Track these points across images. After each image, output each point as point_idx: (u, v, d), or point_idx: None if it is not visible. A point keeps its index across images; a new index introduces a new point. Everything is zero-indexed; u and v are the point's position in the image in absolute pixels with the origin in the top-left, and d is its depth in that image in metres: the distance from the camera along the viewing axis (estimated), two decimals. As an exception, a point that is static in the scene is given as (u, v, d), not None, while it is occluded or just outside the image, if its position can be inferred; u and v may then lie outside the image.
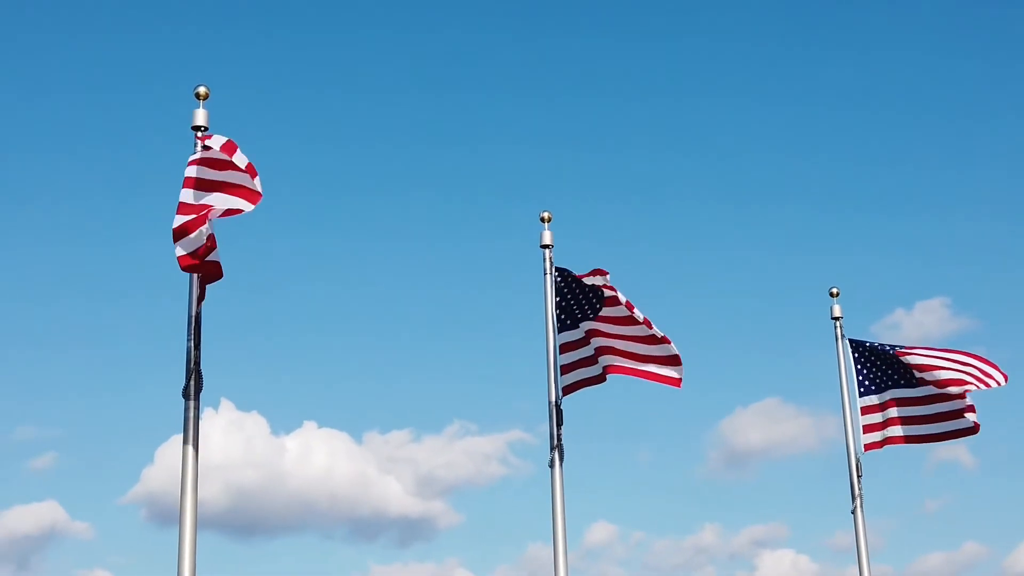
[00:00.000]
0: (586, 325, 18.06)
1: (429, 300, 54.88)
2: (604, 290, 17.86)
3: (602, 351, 18.00)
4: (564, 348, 18.07)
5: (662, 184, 56.39)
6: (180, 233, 12.80)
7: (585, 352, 18.05)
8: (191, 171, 13.44)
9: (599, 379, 18.04)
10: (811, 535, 51.47)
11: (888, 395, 21.13)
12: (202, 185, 13.33)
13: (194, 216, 12.90)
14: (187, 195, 13.21)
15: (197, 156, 13.70)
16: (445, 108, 57.47)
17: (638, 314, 17.62)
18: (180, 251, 12.88)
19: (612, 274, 17.85)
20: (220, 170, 13.33)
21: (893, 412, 21.09)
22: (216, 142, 13.61)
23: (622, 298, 17.71)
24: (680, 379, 17.69)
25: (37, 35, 54.64)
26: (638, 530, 48.70)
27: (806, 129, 57.28)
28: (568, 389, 17.87)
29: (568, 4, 58.79)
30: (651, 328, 17.62)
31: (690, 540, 48.62)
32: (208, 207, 13.00)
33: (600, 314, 17.95)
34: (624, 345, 17.90)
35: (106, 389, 49.67)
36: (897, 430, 21.06)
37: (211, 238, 13.06)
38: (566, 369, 17.96)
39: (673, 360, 17.66)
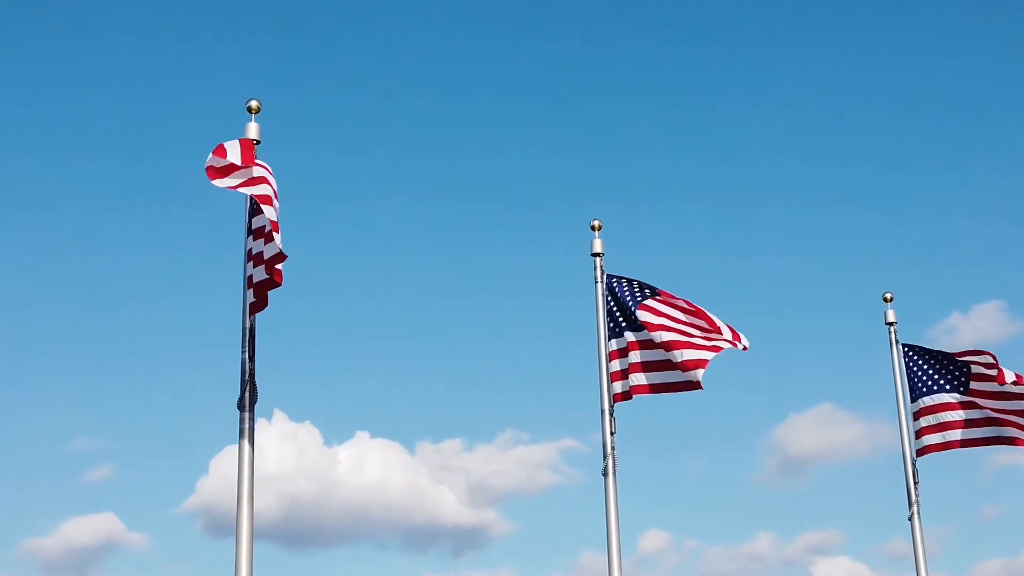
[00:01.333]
0: (629, 336, 17.97)
1: (480, 308, 54.93)
2: (644, 294, 17.83)
3: (633, 368, 17.87)
4: (613, 356, 18.02)
5: (712, 190, 56.19)
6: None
7: (624, 363, 17.96)
8: (265, 188, 13.52)
9: (628, 395, 17.90)
10: (867, 542, 50.98)
11: (943, 399, 20.88)
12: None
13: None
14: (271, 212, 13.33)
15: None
16: (495, 116, 57.58)
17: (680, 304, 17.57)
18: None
19: (662, 281, 17.86)
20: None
21: (948, 417, 20.83)
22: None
23: (658, 305, 17.62)
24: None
25: (95, 46, 55.27)
26: (691, 538, 48.47)
27: (860, 134, 56.86)
28: (618, 397, 17.81)
29: (615, 10, 58.74)
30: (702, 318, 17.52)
31: (744, 548, 48.30)
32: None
33: (641, 319, 17.83)
34: (653, 355, 17.77)
35: (161, 400, 50.08)
36: (954, 434, 20.80)
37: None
38: (615, 377, 17.92)
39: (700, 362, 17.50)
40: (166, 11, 56.39)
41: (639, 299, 17.95)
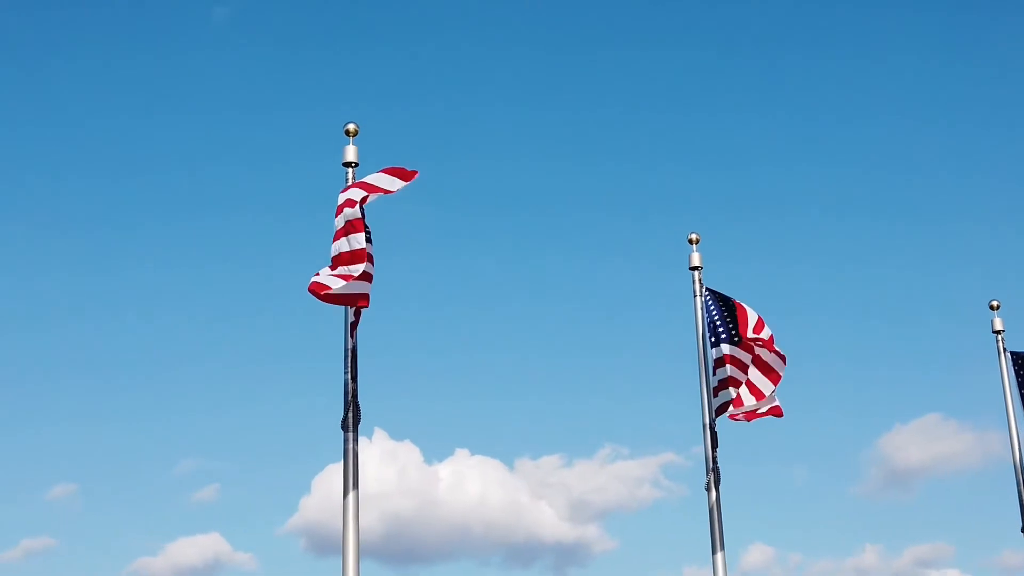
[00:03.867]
0: (725, 348, 17.81)
1: (578, 323, 54.85)
2: (737, 313, 17.71)
3: (728, 383, 17.68)
4: (713, 367, 17.88)
5: (811, 201, 55.53)
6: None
7: (721, 375, 17.79)
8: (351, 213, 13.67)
9: (723, 409, 17.71)
10: (978, 554, 49.87)
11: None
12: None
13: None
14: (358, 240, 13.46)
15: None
16: (593, 128, 57.54)
17: (764, 333, 17.41)
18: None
19: (761, 294, 17.70)
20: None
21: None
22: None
23: (751, 319, 17.44)
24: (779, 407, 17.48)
25: (198, 68, 56.30)
26: (796, 552, 47.83)
27: (963, 142, 55.90)
28: (719, 411, 17.67)
29: (716, 21, 58.43)
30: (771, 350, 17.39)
31: (850, 561, 47.53)
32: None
33: (734, 338, 17.71)
34: (746, 375, 17.63)
35: (264, 420, 50.73)
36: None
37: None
38: (715, 391, 17.77)
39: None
40: (265, 34, 57.26)
41: (722, 335, 17.78)
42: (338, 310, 13.92)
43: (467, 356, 54.01)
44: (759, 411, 17.50)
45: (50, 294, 52.24)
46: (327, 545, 43.63)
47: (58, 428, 48.82)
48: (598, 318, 54.22)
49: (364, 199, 13.62)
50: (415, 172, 14.04)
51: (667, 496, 49.75)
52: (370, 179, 14.05)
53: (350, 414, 13.56)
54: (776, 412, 17.56)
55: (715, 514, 17.00)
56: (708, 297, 18.04)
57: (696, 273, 18.40)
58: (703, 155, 56.73)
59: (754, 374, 17.37)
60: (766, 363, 17.36)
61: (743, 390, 17.39)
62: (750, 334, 17.21)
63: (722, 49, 57.74)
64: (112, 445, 48.79)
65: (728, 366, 17.51)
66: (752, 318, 17.35)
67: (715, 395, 17.65)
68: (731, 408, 17.37)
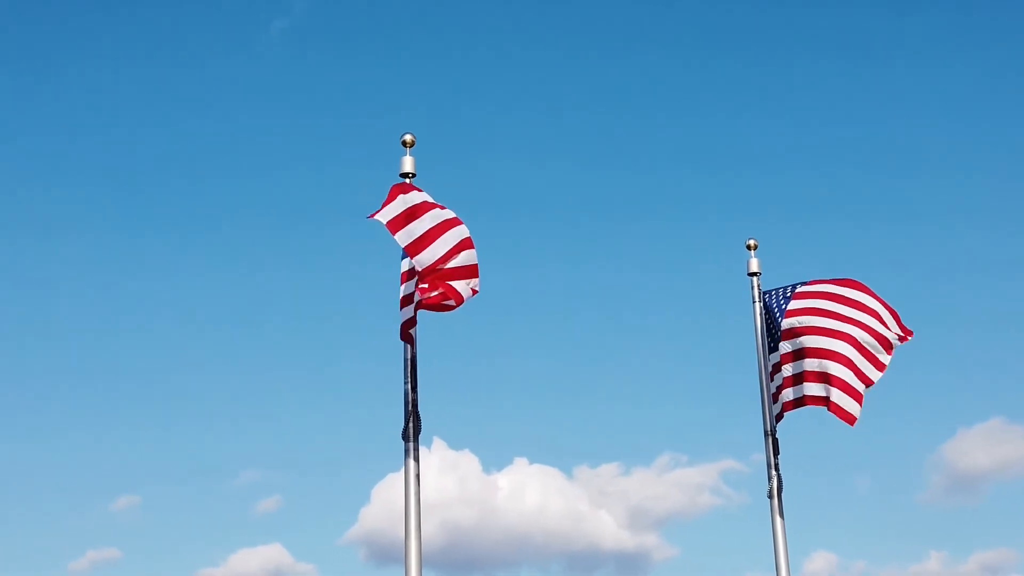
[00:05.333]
0: (782, 349, 17.63)
1: (636, 330, 54.67)
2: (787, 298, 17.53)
3: (786, 383, 17.50)
4: (772, 373, 17.75)
5: (872, 205, 55.04)
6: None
7: (780, 379, 17.62)
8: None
9: (799, 403, 17.49)
10: (1045, 560, 49.14)
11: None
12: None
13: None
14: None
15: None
16: (649, 133, 57.38)
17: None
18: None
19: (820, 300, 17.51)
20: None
21: None
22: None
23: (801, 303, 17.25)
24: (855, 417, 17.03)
25: (253, 81, 56.79)
26: (859, 559, 47.36)
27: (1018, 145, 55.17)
28: (779, 416, 17.55)
29: (771, 26, 58.11)
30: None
31: (914, 569, 46.99)
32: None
33: (784, 327, 17.49)
34: (801, 367, 17.37)
35: (324, 431, 51.01)
36: None
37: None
38: (775, 396, 17.64)
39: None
40: (323, 46, 57.64)
41: (783, 306, 17.66)
42: (397, 318, 14.01)
43: (525, 365, 54.05)
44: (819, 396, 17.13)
45: (115, 303, 52.87)
46: (387, 555, 43.82)
47: (122, 439, 49.37)
48: (656, 325, 54.08)
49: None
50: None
51: (727, 503, 49.49)
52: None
53: (410, 424, 13.59)
54: (841, 414, 17.06)
55: (778, 521, 16.88)
56: (767, 302, 17.93)
57: (755, 279, 18.28)
58: (761, 159, 56.43)
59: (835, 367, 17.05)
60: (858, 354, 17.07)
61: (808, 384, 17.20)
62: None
63: (779, 54, 57.43)
64: (175, 456, 49.27)
65: (785, 366, 17.43)
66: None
67: (775, 400, 17.54)
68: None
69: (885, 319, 17.35)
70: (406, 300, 13.87)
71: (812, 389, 17.15)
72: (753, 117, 57.39)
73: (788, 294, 17.65)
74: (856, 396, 16.82)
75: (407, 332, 13.80)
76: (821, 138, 56.69)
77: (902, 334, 17.24)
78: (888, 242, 54.19)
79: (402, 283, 14.07)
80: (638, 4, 58.24)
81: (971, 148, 55.52)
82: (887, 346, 17.22)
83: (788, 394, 17.46)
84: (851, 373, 16.94)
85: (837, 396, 16.92)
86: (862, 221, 54.94)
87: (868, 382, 16.93)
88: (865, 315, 17.33)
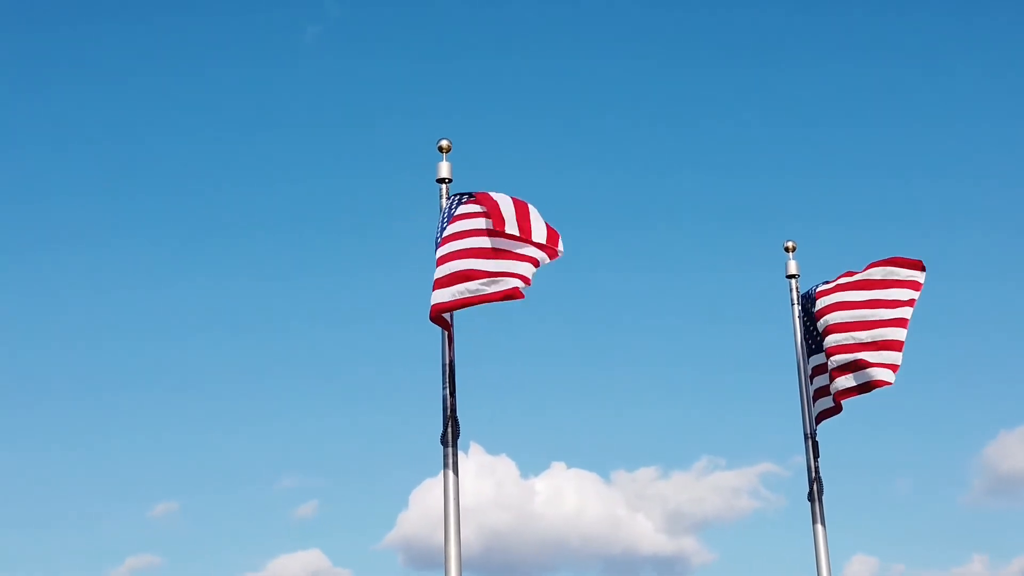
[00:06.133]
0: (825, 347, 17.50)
1: (673, 333, 54.53)
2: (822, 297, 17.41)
3: (825, 390, 17.36)
4: (814, 373, 17.64)
5: (912, 206, 54.68)
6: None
7: (824, 379, 17.49)
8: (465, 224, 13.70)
9: (836, 410, 17.33)
10: (1088, 563, 48.64)
11: None
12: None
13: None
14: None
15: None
16: (686, 136, 57.24)
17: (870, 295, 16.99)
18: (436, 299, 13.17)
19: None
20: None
21: None
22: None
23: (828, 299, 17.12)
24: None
25: (296, 92, 57.07)
26: (899, 563, 47.01)
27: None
28: (819, 418, 17.43)
29: (813, 28, 57.90)
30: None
31: (956, 572, 46.60)
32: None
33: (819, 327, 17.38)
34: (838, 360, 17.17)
35: (362, 435, 51.13)
36: None
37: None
38: (818, 395, 17.51)
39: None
40: (357, 52, 57.86)
41: (811, 309, 17.53)
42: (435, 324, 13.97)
43: (562, 369, 54.00)
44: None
45: (156, 308, 53.19)
46: (425, 560, 43.87)
47: (160, 446, 49.64)
48: (694, 328, 53.92)
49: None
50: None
51: (766, 507, 49.27)
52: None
53: (449, 429, 13.58)
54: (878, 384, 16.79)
55: (818, 525, 16.78)
56: (805, 304, 17.85)
57: (793, 281, 18.21)
58: (799, 161, 56.17)
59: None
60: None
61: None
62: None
63: (817, 55, 57.19)
64: (214, 462, 49.51)
65: (827, 370, 17.31)
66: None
67: (814, 403, 17.44)
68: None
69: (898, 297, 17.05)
70: (439, 283, 13.49)
71: (843, 382, 16.85)
72: (790, 119, 57.17)
73: (812, 294, 17.55)
74: (888, 365, 16.52)
75: (440, 316, 13.50)
76: (860, 139, 56.42)
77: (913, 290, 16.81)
78: (930, 244, 53.85)
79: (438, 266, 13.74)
80: (676, 9, 58.20)
81: (1017, 152, 55.10)
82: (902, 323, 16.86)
83: (829, 398, 17.36)
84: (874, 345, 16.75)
85: (867, 374, 16.61)
86: (902, 222, 54.61)
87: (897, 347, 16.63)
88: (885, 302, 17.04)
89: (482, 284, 13.12)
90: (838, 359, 16.73)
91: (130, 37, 55.57)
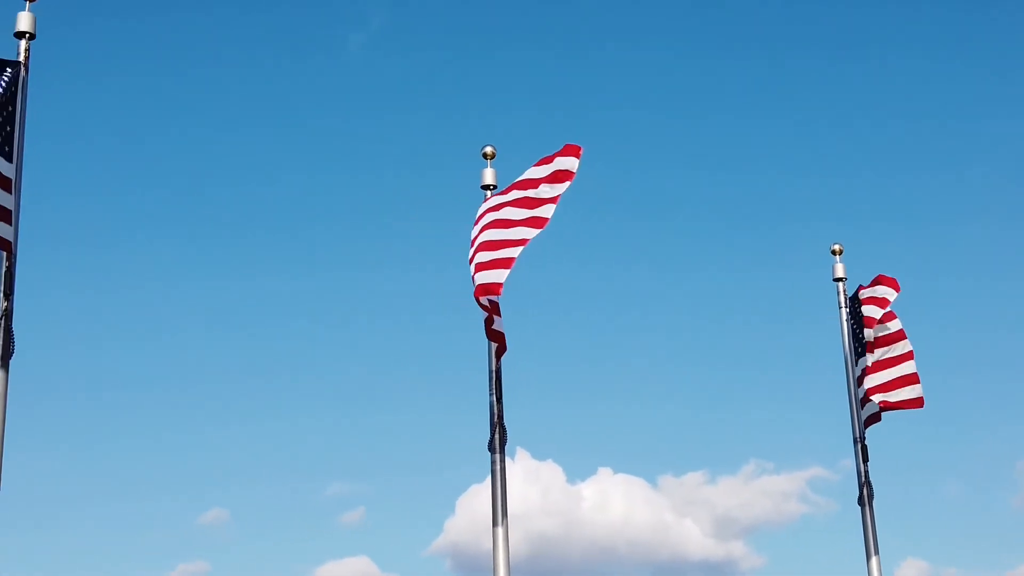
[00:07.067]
0: (870, 356, 17.50)
1: (720, 337, 54.30)
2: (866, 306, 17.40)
3: (882, 387, 17.37)
4: (860, 380, 17.58)
5: (957, 207, 54.20)
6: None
7: (874, 379, 17.44)
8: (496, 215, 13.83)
9: (872, 421, 17.39)
10: None
11: None
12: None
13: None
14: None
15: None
16: (731, 138, 57.05)
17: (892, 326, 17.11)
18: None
19: (906, 304, 17.40)
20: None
21: None
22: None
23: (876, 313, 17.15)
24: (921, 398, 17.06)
25: (340, 101, 57.42)
26: (951, 567, 46.56)
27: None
28: (868, 422, 17.36)
29: (861, 24, 57.58)
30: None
31: (1009, 575, 46.16)
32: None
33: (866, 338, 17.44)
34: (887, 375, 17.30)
35: (409, 441, 51.27)
36: None
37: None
38: (864, 401, 17.45)
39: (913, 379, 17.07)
40: (401, 59, 58.17)
41: (860, 312, 17.55)
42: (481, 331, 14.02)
43: (608, 373, 53.92)
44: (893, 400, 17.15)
45: (207, 315, 53.58)
46: (473, 566, 43.88)
47: (209, 454, 49.93)
48: (741, 331, 53.64)
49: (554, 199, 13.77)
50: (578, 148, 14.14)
51: (815, 511, 48.94)
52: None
53: (496, 435, 13.62)
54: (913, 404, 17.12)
55: (869, 529, 16.69)
56: (853, 307, 17.79)
57: (840, 284, 18.17)
58: (846, 163, 55.82)
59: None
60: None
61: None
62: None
63: (866, 53, 56.86)
64: (262, 469, 49.80)
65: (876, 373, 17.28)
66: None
67: (862, 407, 17.36)
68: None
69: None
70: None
71: (906, 393, 17.04)
72: (840, 118, 56.82)
73: (857, 296, 17.55)
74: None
75: (495, 330, 13.68)
76: (907, 140, 56.01)
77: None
78: (976, 245, 53.38)
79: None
80: (722, 7, 58.04)
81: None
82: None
83: (878, 400, 17.31)
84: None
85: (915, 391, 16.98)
86: (948, 224, 54.18)
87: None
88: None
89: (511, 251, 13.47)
90: (900, 368, 17.08)
91: (174, 43, 56.10)
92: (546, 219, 13.51)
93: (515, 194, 13.94)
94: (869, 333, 17.15)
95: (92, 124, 53.68)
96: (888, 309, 17.14)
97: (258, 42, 55.96)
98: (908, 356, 17.15)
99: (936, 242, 52.94)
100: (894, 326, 17.21)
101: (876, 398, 17.00)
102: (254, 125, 55.82)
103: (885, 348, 17.21)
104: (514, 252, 13.34)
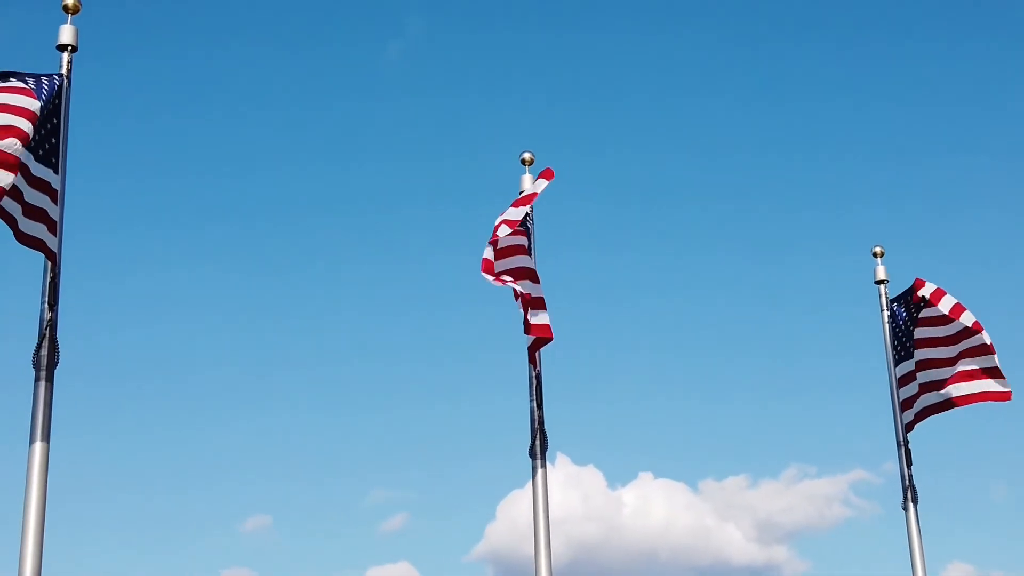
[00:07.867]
0: (918, 355, 17.36)
1: (762, 340, 54.09)
2: (923, 306, 17.24)
3: (926, 388, 17.23)
4: (901, 382, 17.47)
5: (999, 209, 53.73)
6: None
7: (913, 389, 17.34)
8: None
9: (922, 415, 17.25)
10: None
11: None
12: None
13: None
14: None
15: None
16: (774, 138, 56.83)
17: (967, 318, 16.82)
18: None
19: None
20: None
21: None
22: None
23: (945, 307, 16.91)
24: (1009, 392, 16.82)
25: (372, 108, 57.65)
26: (998, 569, 46.16)
27: None
28: (909, 426, 17.26)
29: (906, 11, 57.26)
30: (979, 333, 16.82)
31: (1056, 579, 45.68)
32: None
33: (918, 337, 17.27)
34: (946, 372, 17.11)
35: (449, 448, 51.34)
36: None
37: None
38: (906, 405, 17.35)
39: (995, 372, 16.82)
40: (439, 67, 58.31)
41: (914, 314, 17.41)
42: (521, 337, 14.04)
43: (648, 378, 53.81)
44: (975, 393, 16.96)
45: (238, 320, 53.89)
46: (514, 571, 43.88)
47: (252, 461, 50.20)
48: (783, 335, 53.42)
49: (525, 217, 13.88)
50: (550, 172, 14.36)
51: (858, 515, 48.62)
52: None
53: (537, 441, 13.63)
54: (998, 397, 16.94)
55: (913, 533, 16.57)
56: (895, 309, 17.70)
57: (882, 287, 18.08)
58: (887, 158, 55.48)
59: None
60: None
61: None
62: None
63: (905, 35, 56.55)
64: (305, 477, 49.98)
65: (919, 375, 17.17)
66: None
67: (904, 410, 17.26)
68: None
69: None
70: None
71: (958, 390, 16.93)
72: (877, 116, 56.51)
73: (910, 299, 17.41)
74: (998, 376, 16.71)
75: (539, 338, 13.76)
76: (949, 141, 55.63)
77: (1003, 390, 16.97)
78: (1012, 243, 52.92)
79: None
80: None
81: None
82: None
83: (922, 402, 17.21)
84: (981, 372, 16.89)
85: (980, 385, 16.80)
86: (991, 226, 53.72)
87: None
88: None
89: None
90: (944, 371, 16.93)
91: (214, 56, 56.46)
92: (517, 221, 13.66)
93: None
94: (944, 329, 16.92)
95: (133, 136, 54.20)
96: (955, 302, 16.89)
97: (299, 56, 56.29)
98: (989, 349, 16.81)
99: (978, 240, 52.53)
100: (967, 319, 16.88)
101: (956, 390, 16.76)
102: (292, 136, 56.14)
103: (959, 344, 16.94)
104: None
